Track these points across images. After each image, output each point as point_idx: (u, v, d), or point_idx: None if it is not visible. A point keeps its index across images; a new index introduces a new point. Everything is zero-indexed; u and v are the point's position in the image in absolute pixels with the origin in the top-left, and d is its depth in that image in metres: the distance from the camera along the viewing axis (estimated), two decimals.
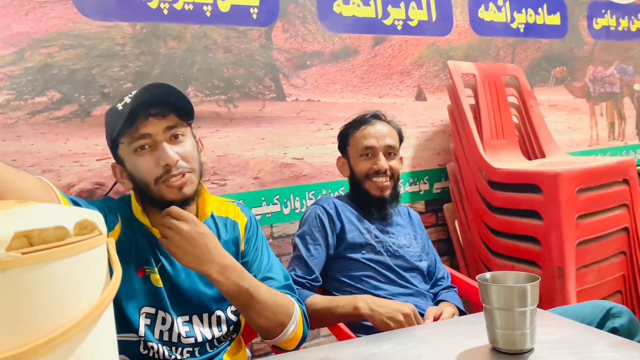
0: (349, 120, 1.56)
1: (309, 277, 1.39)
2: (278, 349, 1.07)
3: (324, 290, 1.47)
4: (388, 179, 1.48)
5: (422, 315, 1.37)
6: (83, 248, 0.56)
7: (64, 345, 0.52)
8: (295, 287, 1.31)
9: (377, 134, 1.48)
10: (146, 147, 0.98)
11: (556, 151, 2.36)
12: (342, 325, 1.34)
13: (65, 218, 0.57)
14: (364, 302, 1.27)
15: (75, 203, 0.90)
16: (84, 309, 0.55)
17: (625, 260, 1.96)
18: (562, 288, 1.72)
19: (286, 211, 2.00)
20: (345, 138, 1.55)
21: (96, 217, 0.61)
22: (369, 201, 1.49)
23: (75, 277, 0.56)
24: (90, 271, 0.58)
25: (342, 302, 1.31)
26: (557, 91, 2.76)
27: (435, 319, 1.31)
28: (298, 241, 1.45)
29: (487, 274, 0.91)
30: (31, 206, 0.59)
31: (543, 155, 2.35)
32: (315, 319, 1.27)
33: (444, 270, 1.60)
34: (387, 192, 1.49)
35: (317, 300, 1.32)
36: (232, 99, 1.91)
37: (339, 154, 1.59)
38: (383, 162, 1.46)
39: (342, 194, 1.92)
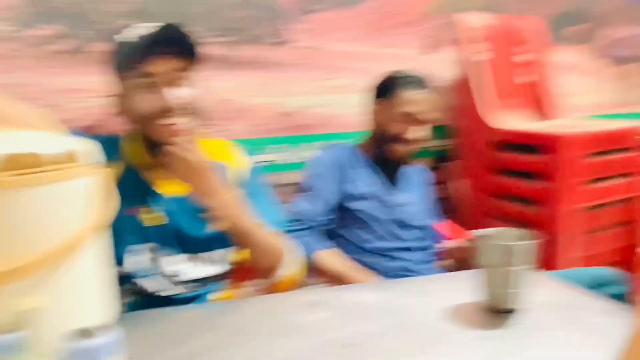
0: (399, 73, 1.48)
1: (320, 219, 1.39)
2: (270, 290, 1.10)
3: None
4: (416, 147, 1.47)
5: (413, 273, 1.42)
6: (65, 177, 0.57)
7: (45, 272, 0.54)
8: (304, 231, 1.35)
9: (425, 103, 1.43)
10: (150, 85, 0.98)
11: (571, 113, 2.28)
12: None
13: (52, 145, 0.57)
14: None
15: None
16: (69, 235, 0.56)
17: (626, 231, 1.91)
18: (561, 253, 1.70)
19: (286, 160, 1.98)
20: (389, 89, 1.46)
21: (85, 147, 0.61)
22: (388, 161, 1.48)
23: (57, 205, 0.56)
24: (75, 200, 0.59)
25: (357, 276, 1.31)
26: (578, 50, 2.63)
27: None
28: (311, 180, 1.44)
29: (484, 231, 0.89)
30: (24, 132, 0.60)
31: (557, 117, 2.27)
32: (321, 275, 1.30)
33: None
34: (408, 158, 1.49)
35: (329, 261, 1.33)
36: (233, 42, 1.86)
37: (370, 99, 1.51)
38: (419, 133, 1.44)
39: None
